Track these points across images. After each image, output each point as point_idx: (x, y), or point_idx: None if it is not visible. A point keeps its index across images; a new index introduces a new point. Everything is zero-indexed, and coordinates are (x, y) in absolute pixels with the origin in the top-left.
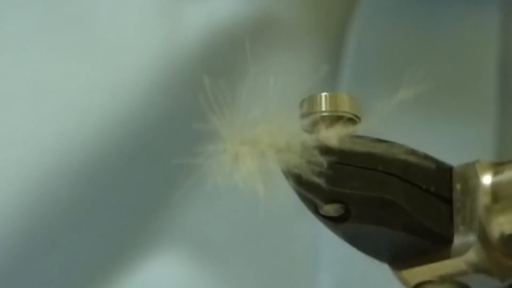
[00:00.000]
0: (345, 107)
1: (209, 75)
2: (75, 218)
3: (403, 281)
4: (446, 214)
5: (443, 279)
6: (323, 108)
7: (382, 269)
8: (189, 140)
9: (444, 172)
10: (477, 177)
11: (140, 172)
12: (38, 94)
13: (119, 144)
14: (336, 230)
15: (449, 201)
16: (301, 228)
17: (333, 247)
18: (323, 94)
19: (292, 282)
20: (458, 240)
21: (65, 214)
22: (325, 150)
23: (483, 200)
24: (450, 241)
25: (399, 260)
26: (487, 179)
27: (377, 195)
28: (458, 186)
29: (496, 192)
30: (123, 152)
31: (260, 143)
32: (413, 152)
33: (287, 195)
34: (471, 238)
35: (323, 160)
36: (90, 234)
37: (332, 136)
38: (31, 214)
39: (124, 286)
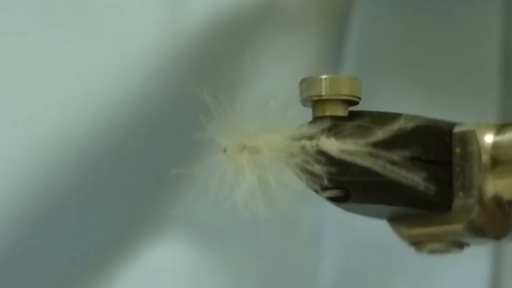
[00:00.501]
0: (345, 90)
1: (212, 62)
2: (77, 203)
3: (402, 237)
4: (445, 179)
5: (441, 239)
6: (323, 92)
7: (385, 255)
8: (192, 125)
9: (443, 135)
10: (476, 143)
11: (143, 158)
12: (40, 79)
13: (122, 129)
14: (336, 206)
15: (448, 165)
16: (303, 213)
17: (335, 233)
18: (323, 77)
19: (294, 267)
20: (457, 205)
21: (67, 199)
22: (325, 159)
23: (483, 166)
24: (449, 207)
25: (399, 220)
26: (487, 144)
27: (376, 179)
28: (457, 150)
29: (496, 157)
30: (126, 137)
31: (259, 152)
32: (412, 118)
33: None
34: (471, 203)
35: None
36: (93, 219)
37: (333, 145)
38: (33, 198)
39: (126, 271)
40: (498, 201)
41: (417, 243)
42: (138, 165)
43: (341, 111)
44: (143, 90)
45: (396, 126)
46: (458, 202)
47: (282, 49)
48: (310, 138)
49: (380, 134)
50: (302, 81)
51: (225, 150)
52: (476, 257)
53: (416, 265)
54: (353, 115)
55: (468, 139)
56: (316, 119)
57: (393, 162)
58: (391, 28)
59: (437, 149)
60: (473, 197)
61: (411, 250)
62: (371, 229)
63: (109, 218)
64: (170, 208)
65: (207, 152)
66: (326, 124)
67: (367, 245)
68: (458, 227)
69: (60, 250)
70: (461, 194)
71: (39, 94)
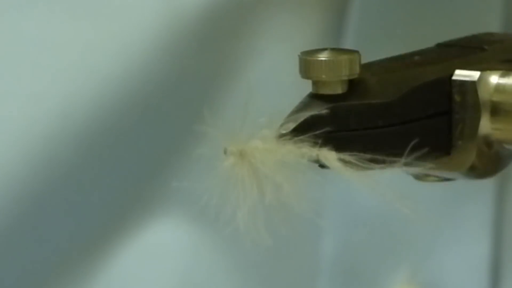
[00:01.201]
0: (345, 71)
1: (212, 40)
2: (77, 180)
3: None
4: (445, 128)
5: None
6: (323, 75)
7: (385, 233)
8: (193, 102)
9: (442, 85)
10: (476, 95)
11: (144, 135)
12: (41, 55)
13: (123, 106)
14: None
15: (448, 112)
16: (306, 183)
17: (336, 211)
18: (322, 59)
19: (296, 244)
20: (456, 152)
21: (67, 176)
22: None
23: (483, 115)
24: (448, 153)
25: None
26: (487, 93)
27: (379, 151)
28: (457, 99)
29: (496, 105)
30: (127, 114)
31: (257, 164)
32: (413, 62)
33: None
34: (470, 151)
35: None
36: (93, 196)
37: (332, 158)
38: (33, 175)
39: (126, 248)
40: (492, 144)
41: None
42: (138, 142)
43: (340, 89)
44: (142, 67)
45: (392, 94)
46: (457, 149)
47: (283, 27)
48: (309, 151)
49: (377, 108)
50: (302, 60)
51: (225, 151)
52: (477, 235)
53: (416, 243)
54: (352, 88)
55: (467, 90)
56: (314, 97)
57: (392, 137)
58: (393, 3)
59: (436, 101)
60: (472, 145)
61: (412, 229)
62: (372, 207)
63: (110, 196)
64: (171, 186)
65: (206, 132)
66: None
67: (368, 223)
68: (455, 173)
69: (60, 226)
70: (460, 142)
71: (40, 70)
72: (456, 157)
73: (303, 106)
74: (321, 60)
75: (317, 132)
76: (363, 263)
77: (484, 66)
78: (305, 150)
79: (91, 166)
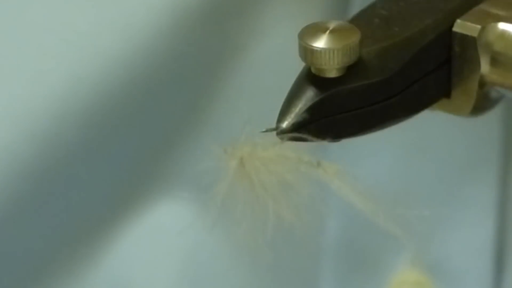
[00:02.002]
0: (345, 59)
1: (217, 19)
2: (81, 160)
3: None
4: (444, 78)
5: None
6: (323, 65)
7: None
8: (197, 82)
9: (443, 37)
10: (475, 49)
11: (148, 116)
12: (46, 35)
13: (127, 86)
14: None
15: (447, 62)
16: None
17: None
18: (321, 49)
19: (299, 227)
20: (455, 97)
21: (72, 155)
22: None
23: (481, 63)
24: (447, 96)
25: None
26: (486, 46)
27: (378, 127)
28: (457, 49)
29: (495, 56)
30: (131, 94)
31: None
32: (410, 13)
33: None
34: (468, 96)
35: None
36: (97, 176)
37: (332, 172)
38: (37, 154)
39: (130, 229)
40: (485, 85)
41: None
42: (143, 123)
43: (338, 73)
44: (147, 47)
45: (392, 67)
46: (456, 94)
47: (288, 5)
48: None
49: (377, 86)
50: (301, 47)
51: (225, 151)
52: (481, 218)
53: (420, 225)
54: (350, 69)
55: (467, 44)
56: (312, 79)
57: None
58: None
59: (436, 56)
60: (471, 91)
61: (414, 209)
62: (376, 189)
63: (113, 176)
64: (175, 167)
65: (211, 109)
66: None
67: None
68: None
69: (64, 207)
70: (459, 89)
71: (44, 50)
72: (454, 102)
73: (300, 91)
74: (321, 49)
75: (315, 121)
76: (367, 246)
77: (485, 15)
78: (305, 160)
79: (94, 146)
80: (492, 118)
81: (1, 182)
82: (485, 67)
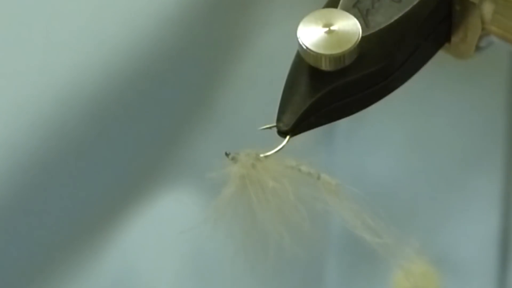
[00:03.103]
0: (347, 61)
1: (223, 7)
2: (87, 150)
3: None
4: (443, 33)
5: None
6: (323, 68)
7: (393, 206)
8: (201, 72)
9: (443, 4)
10: (476, 12)
11: (153, 106)
12: (50, 25)
13: (131, 76)
14: None
15: (448, 17)
16: (314, 158)
17: (344, 183)
18: (322, 55)
19: (304, 219)
20: (453, 46)
21: (77, 145)
22: None
23: (482, 23)
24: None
25: None
26: (487, 8)
27: (378, 100)
28: (457, 8)
29: (494, 13)
30: (135, 84)
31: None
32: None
33: None
34: (467, 46)
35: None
36: (102, 167)
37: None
38: (43, 144)
39: (137, 219)
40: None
41: None
42: (148, 112)
43: (339, 67)
44: (151, 36)
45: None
46: (455, 43)
47: None
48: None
49: (378, 71)
50: (302, 49)
51: (233, 159)
52: (486, 210)
53: (426, 217)
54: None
55: (468, 7)
56: (312, 73)
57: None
58: None
59: (436, 20)
60: (470, 42)
61: (421, 203)
62: (382, 181)
63: (119, 166)
64: (181, 158)
65: (217, 98)
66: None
67: (377, 194)
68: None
69: (70, 196)
70: (458, 41)
71: (49, 40)
72: (454, 47)
73: (298, 87)
74: (321, 55)
75: (315, 114)
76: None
77: None
78: (305, 171)
79: (100, 136)
80: (496, 110)
81: (6, 172)
82: (486, 16)
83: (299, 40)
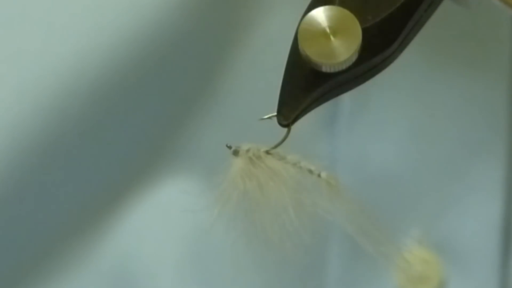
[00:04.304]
0: (346, 64)
1: None
2: (90, 136)
3: None
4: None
5: None
6: (323, 69)
7: (397, 195)
8: (203, 59)
9: None
10: None
11: (155, 92)
12: (51, 9)
13: (134, 62)
14: None
15: None
16: (318, 152)
17: (349, 172)
18: (327, 63)
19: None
20: None
21: (80, 130)
22: None
23: None
24: None
25: None
26: None
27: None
28: None
29: None
30: (138, 70)
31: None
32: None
33: None
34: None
35: None
36: (105, 151)
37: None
38: (45, 128)
39: (138, 206)
40: None
41: None
42: (151, 100)
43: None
44: (155, 23)
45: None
46: None
47: None
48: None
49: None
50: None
51: (234, 152)
52: (489, 198)
53: (428, 205)
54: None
55: None
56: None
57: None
58: None
59: None
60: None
61: (423, 190)
62: (385, 168)
63: (122, 151)
64: (184, 145)
65: (220, 84)
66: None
67: (380, 184)
68: None
69: (73, 181)
70: None
71: (50, 26)
72: None
73: (299, 80)
74: (324, 63)
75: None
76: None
77: None
78: (306, 167)
79: (103, 120)
80: (499, 99)
81: (6, 157)
82: None
83: (300, 46)
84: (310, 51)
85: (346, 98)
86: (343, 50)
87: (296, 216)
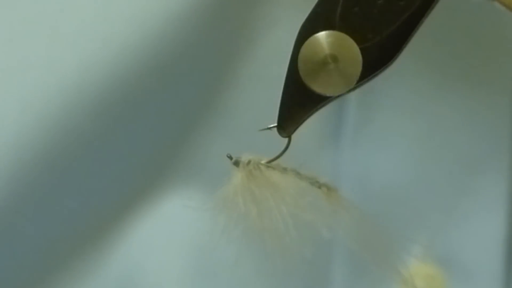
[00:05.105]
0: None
1: (230, 5)
2: (94, 149)
3: None
4: None
5: None
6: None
7: (401, 208)
8: (207, 71)
9: None
10: None
11: (159, 105)
12: (56, 22)
13: (138, 75)
14: None
15: None
16: (321, 165)
17: (352, 186)
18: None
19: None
20: None
21: (84, 144)
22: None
23: None
24: None
25: None
26: None
27: None
28: None
29: None
30: (142, 83)
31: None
32: None
33: None
34: None
35: None
36: (109, 166)
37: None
38: (50, 143)
39: (143, 219)
40: None
41: None
42: (154, 113)
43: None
44: (158, 36)
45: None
46: None
47: None
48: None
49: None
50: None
51: (235, 163)
52: (493, 211)
53: (432, 220)
54: None
55: None
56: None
57: None
58: None
59: None
60: None
61: (426, 203)
62: (388, 183)
63: (127, 166)
64: (188, 158)
65: (223, 98)
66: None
67: (384, 197)
68: None
69: (77, 195)
70: None
71: (56, 38)
72: None
73: (300, 98)
74: (325, 93)
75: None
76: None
77: None
78: (306, 179)
79: (107, 135)
80: (503, 113)
81: (11, 170)
82: None
83: (300, 73)
84: (310, 81)
85: (350, 112)
86: (344, 80)
87: (298, 231)
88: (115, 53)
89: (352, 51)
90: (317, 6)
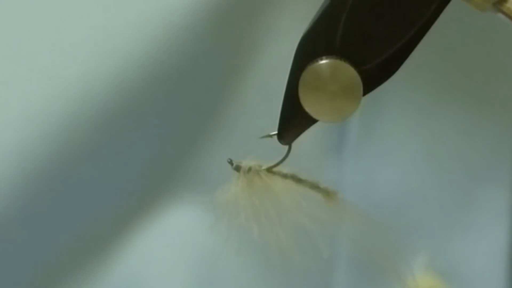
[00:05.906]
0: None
1: (234, 17)
2: (96, 158)
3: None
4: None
5: None
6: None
7: (403, 219)
8: (211, 81)
9: None
10: None
11: (162, 116)
12: (59, 33)
13: (140, 86)
14: None
15: None
16: (324, 178)
17: (355, 196)
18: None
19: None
20: None
21: (86, 155)
22: None
23: None
24: None
25: None
26: None
27: None
28: None
29: None
30: (145, 94)
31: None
32: None
33: None
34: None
35: None
36: (112, 175)
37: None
38: (52, 153)
39: (146, 227)
40: None
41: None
42: (157, 123)
43: None
44: (161, 47)
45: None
46: None
47: (303, 6)
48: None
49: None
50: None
51: (236, 168)
52: (495, 223)
53: (434, 232)
54: None
55: None
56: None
57: None
58: None
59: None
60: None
61: (429, 215)
62: (391, 195)
63: (128, 176)
64: (190, 169)
65: (226, 108)
66: None
67: (386, 209)
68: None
69: (80, 205)
70: None
71: (58, 49)
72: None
73: (299, 113)
74: (322, 120)
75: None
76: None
77: None
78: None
79: (109, 145)
80: (505, 125)
81: (14, 179)
82: None
83: (301, 99)
84: (308, 106)
85: (353, 125)
86: (340, 115)
87: (298, 238)
88: (117, 64)
89: (354, 83)
90: (316, 23)
